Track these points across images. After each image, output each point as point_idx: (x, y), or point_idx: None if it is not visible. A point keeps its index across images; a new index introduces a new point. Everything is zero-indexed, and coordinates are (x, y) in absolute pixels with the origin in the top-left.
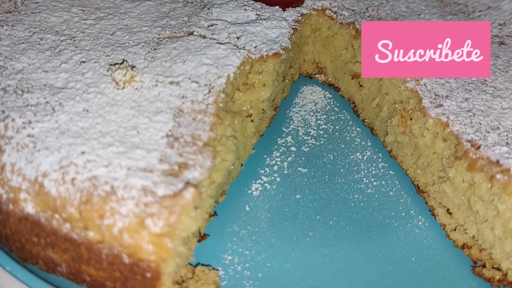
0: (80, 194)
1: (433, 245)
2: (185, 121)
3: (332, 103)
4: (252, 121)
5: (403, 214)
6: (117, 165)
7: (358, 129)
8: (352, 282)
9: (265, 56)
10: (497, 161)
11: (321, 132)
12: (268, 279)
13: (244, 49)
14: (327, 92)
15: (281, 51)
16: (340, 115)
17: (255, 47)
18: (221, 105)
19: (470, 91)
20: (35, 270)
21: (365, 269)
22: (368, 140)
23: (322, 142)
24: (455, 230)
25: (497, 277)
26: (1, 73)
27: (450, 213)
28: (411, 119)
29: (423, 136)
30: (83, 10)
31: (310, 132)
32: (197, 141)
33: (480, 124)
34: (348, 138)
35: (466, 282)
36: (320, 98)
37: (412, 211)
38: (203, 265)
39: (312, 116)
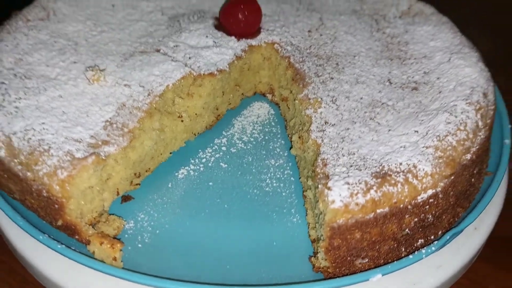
0: (29, 148)
1: (296, 237)
2: (124, 113)
3: (271, 118)
4: (182, 121)
5: (284, 211)
6: (60, 135)
7: (282, 142)
8: (220, 250)
9: (202, 74)
10: (327, 176)
11: (252, 139)
12: (161, 236)
13: (190, 67)
14: (272, 109)
15: (216, 72)
16: (273, 128)
17: (198, 67)
18: (154, 105)
19: (355, 123)
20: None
21: (236, 243)
22: (286, 152)
23: (248, 147)
24: (314, 228)
25: (316, 264)
26: (17, 63)
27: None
28: (299, 137)
29: (308, 153)
30: (94, 24)
31: (243, 138)
32: (124, 128)
33: (343, 149)
34: (270, 147)
35: (301, 266)
36: (264, 113)
37: (292, 210)
38: (117, 216)
39: (250, 126)
